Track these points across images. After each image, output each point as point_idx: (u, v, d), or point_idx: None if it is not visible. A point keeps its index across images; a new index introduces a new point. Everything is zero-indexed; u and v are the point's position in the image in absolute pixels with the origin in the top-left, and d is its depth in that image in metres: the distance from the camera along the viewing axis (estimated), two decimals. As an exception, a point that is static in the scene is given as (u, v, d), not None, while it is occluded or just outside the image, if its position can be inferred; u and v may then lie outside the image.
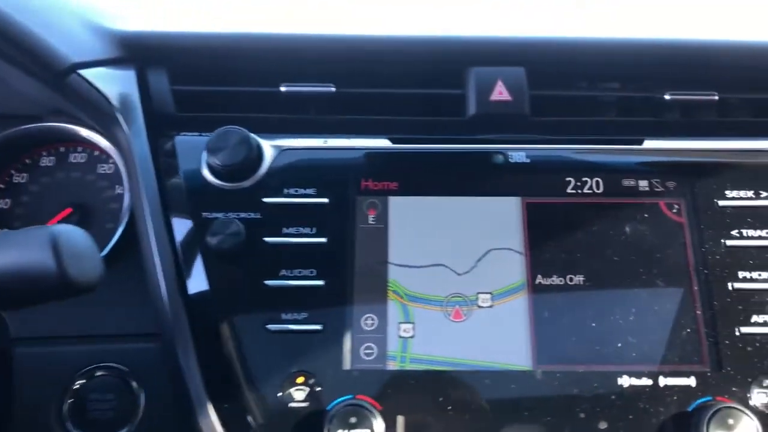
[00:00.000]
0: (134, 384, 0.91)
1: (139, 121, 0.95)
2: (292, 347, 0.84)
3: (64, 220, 1.06)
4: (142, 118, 0.95)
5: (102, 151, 1.09)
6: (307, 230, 0.88)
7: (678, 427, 0.81)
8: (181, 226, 0.89)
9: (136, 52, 0.99)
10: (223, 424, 0.82)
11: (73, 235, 0.66)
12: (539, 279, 0.88)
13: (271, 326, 0.84)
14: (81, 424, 0.90)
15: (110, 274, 0.98)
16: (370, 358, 0.85)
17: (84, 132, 1.05)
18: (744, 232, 0.89)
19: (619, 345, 0.84)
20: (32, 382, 0.90)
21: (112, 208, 1.06)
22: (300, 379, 0.83)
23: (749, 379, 0.83)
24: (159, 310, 0.86)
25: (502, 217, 0.91)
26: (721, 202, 0.90)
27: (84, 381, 0.90)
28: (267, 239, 0.88)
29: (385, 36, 0.99)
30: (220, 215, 0.88)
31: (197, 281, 0.87)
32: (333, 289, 0.86)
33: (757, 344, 0.84)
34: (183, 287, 0.87)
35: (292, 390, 0.82)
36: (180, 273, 0.87)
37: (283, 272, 0.87)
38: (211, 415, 0.82)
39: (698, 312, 0.86)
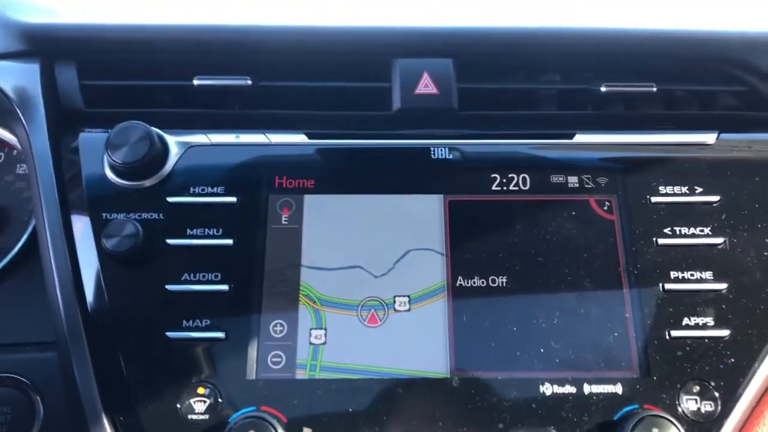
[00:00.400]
0: (33, 395, 0.86)
1: (40, 117, 0.89)
2: (193, 356, 0.79)
3: (-21, 223, 1.01)
4: (44, 114, 0.89)
5: (20, 151, 1.04)
6: (212, 231, 0.83)
7: (602, 437, 0.76)
8: (81, 229, 0.84)
9: (42, 45, 0.93)
10: (117, 437, 0.77)
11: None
12: (460, 281, 0.83)
13: (171, 334, 0.79)
14: (-26, 440, 0.84)
15: (13, 281, 0.94)
16: (278, 366, 0.79)
17: None
18: (677, 229, 0.84)
19: (542, 350, 0.79)
20: None
21: (30, 210, 1.01)
22: (201, 390, 0.78)
23: (678, 386, 0.78)
24: (55, 318, 0.81)
25: (423, 216, 0.86)
26: (654, 199, 0.86)
27: (-22, 394, 0.85)
28: (169, 241, 0.83)
29: (305, 26, 0.94)
30: (120, 216, 0.83)
31: (95, 286, 0.82)
32: (239, 294, 0.81)
33: (688, 348, 0.79)
34: (81, 293, 0.82)
35: (192, 401, 0.77)
36: (78, 278, 0.82)
37: (186, 276, 0.81)
38: (106, 427, 0.77)
39: (627, 315, 0.81)
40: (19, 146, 1.00)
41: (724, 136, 0.90)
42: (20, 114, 0.90)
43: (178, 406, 0.77)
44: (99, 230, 0.82)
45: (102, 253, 0.81)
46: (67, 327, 0.80)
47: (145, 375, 0.78)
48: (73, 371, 0.79)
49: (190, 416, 0.77)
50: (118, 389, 0.78)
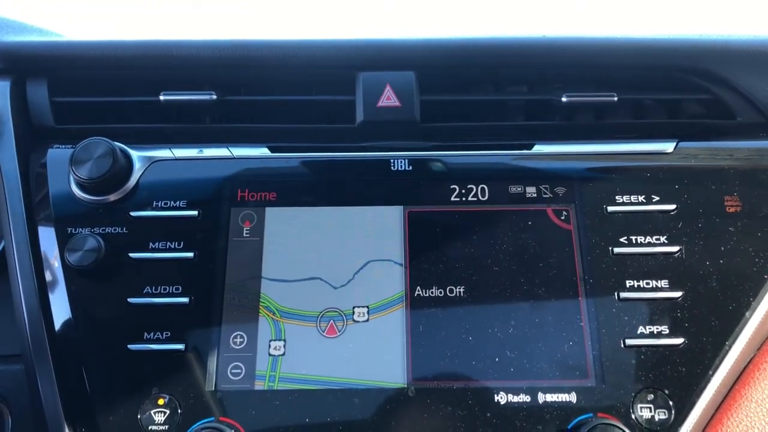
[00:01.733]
0: (1, 406, 0.87)
1: (9, 134, 0.91)
2: (153, 368, 0.80)
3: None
4: (13, 131, 0.91)
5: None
6: (174, 245, 0.85)
7: (555, 446, 0.77)
8: (47, 243, 0.86)
9: (13, 63, 0.95)
10: (80, 448, 0.78)
11: None
12: (418, 291, 0.84)
13: (132, 346, 0.81)
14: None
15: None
16: (237, 378, 0.81)
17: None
18: (633, 238, 0.85)
19: (497, 360, 0.80)
20: None
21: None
22: (161, 401, 0.79)
23: (633, 394, 0.79)
24: (20, 331, 0.83)
25: (383, 227, 0.87)
26: (611, 208, 0.86)
27: (-54, 406, 0.87)
28: (132, 255, 0.84)
29: (268, 41, 0.95)
30: (84, 231, 0.85)
31: (60, 300, 0.83)
32: (199, 306, 0.82)
33: (643, 357, 0.80)
34: (46, 306, 0.83)
35: (152, 412, 0.78)
36: (44, 291, 0.84)
37: (147, 289, 0.83)
38: (68, 438, 0.79)
39: (583, 323, 0.82)
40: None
41: (682, 144, 0.90)
42: None
43: (139, 416, 0.78)
44: (64, 245, 0.84)
45: (66, 267, 0.83)
46: (32, 340, 0.82)
47: (106, 386, 0.80)
48: (38, 383, 0.80)
49: (150, 427, 0.78)
50: (80, 400, 0.80)
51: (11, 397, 0.87)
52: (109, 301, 0.83)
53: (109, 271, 0.83)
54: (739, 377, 0.83)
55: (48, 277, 0.84)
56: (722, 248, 0.84)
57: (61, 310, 0.83)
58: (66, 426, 0.79)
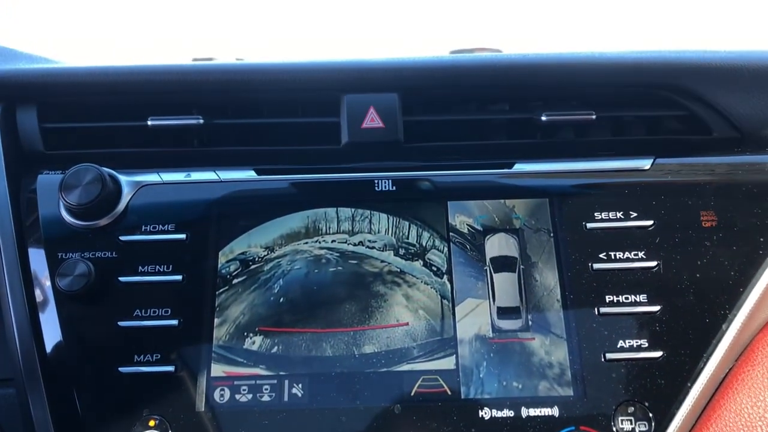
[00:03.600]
0: (-5, 431, 0.89)
1: None
2: (144, 390, 0.82)
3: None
4: (3, 157, 0.93)
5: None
6: (163, 268, 0.86)
7: (539, 459, 0.78)
8: (38, 268, 0.87)
9: (2, 90, 0.97)
10: (72, 472, 0.80)
11: None
12: None
13: (123, 369, 0.82)
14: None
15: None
16: (225, 399, 0.82)
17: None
18: (612, 254, 0.87)
19: (481, 375, 0.82)
20: None
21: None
22: (152, 423, 0.80)
23: (614, 407, 0.81)
24: (12, 355, 0.84)
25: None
26: (590, 225, 0.89)
27: (-59, 430, 0.88)
28: (122, 279, 0.86)
29: (253, 64, 0.97)
30: (75, 255, 0.86)
31: (50, 323, 0.85)
32: (188, 328, 0.84)
33: (623, 370, 0.82)
34: (38, 330, 0.85)
35: (143, 434, 0.80)
36: (35, 316, 0.85)
37: (137, 312, 0.84)
38: (61, 462, 0.80)
39: (564, 338, 0.83)
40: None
41: (660, 161, 0.93)
42: None
43: (130, 439, 0.80)
44: (54, 269, 0.85)
45: (57, 291, 0.84)
46: (24, 364, 0.83)
47: (98, 409, 0.81)
48: (30, 407, 0.82)
49: (141, 450, 0.79)
50: (72, 423, 0.81)
51: (3, 421, 0.88)
52: (99, 325, 0.84)
53: (99, 295, 0.85)
54: (718, 388, 0.85)
55: (38, 300, 0.86)
56: (699, 262, 0.86)
57: (52, 333, 0.84)
58: (58, 449, 0.80)
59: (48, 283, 0.86)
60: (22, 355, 0.83)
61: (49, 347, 0.84)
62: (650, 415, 0.80)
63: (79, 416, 0.81)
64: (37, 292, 0.86)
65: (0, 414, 0.89)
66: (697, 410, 0.83)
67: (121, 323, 0.84)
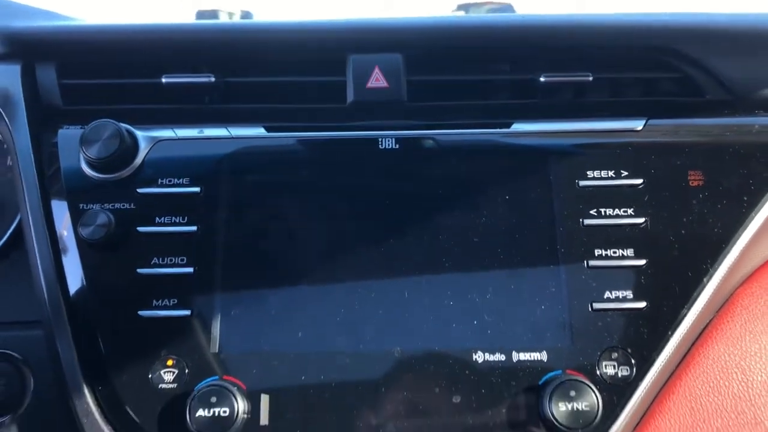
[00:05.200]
0: (24, 369, 0.95)
1: (21, 116, 0.98)
2: (162, 332, 0.88)
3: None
4: (25, 112, 0.97)
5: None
6: (178, 219, 0.92)
7: (528, 399, 0.85)
8: (61, 218, 0.93)
9: (23, 48, 1.01)
10: (98, 404, 0.86)
11: None
12: (406, 264, 0.91)
13: (142, 313, 0.88)
14: (-26, 408, 0.94)
15: (7, 262, 1.04)
16: (236, 342, 0.88)
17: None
18: (602, 210, 0.92)
19: (476, 323, 0.88)
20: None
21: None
22: (170, 362, 0.87)
23: (598, 353, 0.86)
24: (39, 299, 0.90)
25: (371, 203, 0.94)
26: (582, 182, 0.93)
27: (-25, 368, 0.95)
28: (140, 229, 0.91)
29: (264, 23, 1.01)
30: (95, 206, 0.91)
31: (74, 270, 0.90)
32: (202, 276, 0.90)
33: (608, 319, 0.88)
34: (62, 276, 0.90)
35: (161, 372, 0.86)
36: (59, 263, 0.91)
37: (155, 260, 0.90)
38: (87, 396, 0.87)
39: (554, 289, 0.89)
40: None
41: (652, 122, 0.97)
42: (3, 113, 0.98)
43: (150, 376, 0.86)
44: (76, 219, 0.91)
45: (79, 240, 0.90)
46: (50, 308, 0.89)
47: (120, 350, 0.88)
48: (57, 347, 0.88)
49: (160, 385, 0.86)
50: (97, 363, 0.88)
51: (33, 360, 0.95)
52: (119, 272, 0.90)
53: (118, 244, 0.90)
54: (698, 338, 0.91)
55: (62, 249, 0.92)
56: (684, 219, 0.91)
57: (75, 280, 0.90)
58: (84, 385, 0.87)
59: (71, 233, 0.91)
60: (48, 299, 0.89)
61: (73, 292, 0.90)
62: (632, 361, 0.86)
63: (102, 355, 0.87)
64: (61, 241, 0.92)
65: (29, 353, 0.95)
66: (677, 357, 0.89)
67: (140, 270, 0.90)
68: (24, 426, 0.95)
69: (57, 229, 0.92)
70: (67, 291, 0.90)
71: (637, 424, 0.87)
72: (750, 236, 0.91)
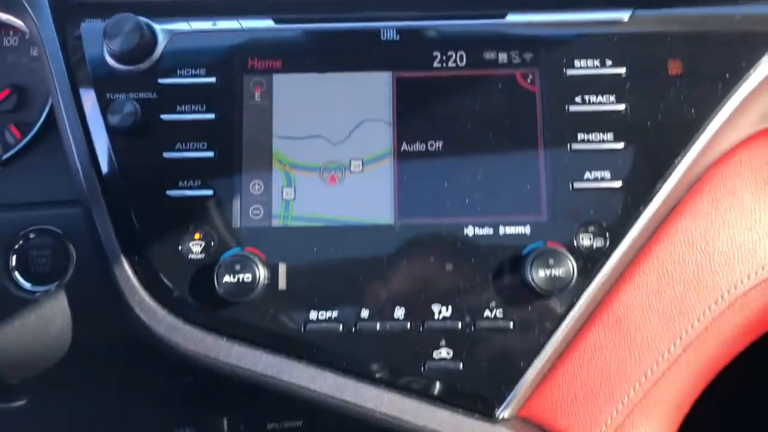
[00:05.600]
0: (67, 243, 1.07)
1: (45, 7, 1.04)
2: (189, 210, 0.98)
3: (4, 100, 1.19)
4: (47, 4, 1.04)
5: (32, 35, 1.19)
6: (197, 107, 1.00)
7: (512, 267, 0.96)
8: (90, 106, 1.01)
9: None
10: (135, 273, 0.99)
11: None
12: (404, 146, 1.00)
13: (170, 192, 0.99)
14: (26, 275, 1.07)
15: (42, 147, 1.14)
16: (258, 217, 0.99)
17: (3, 17, 1.15)
18: (587, 98, 0.99)
19: (467, 200, 0.98)
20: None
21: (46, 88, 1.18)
22: (197, 236, 0.98)
23: (577, 226, 0.97)
24: (76, 181, 1.01)
25: (374, 91, 1.01)
26: (570, 71, 1.00)
27: (23, 241, 1.07)
28: (163, 116, 1.00)
29: None
30: (121, 96, 1.00)
31: (106, 155, 1.00)
32: (223, 159, 0.99)
33: (587, 197, 0.97)
34: (95, 160, 1.00)
35: (190, 244, 0.98)
36: (91, 148, 1.00)
37: (179, 145, 0.99)
38: (125, 266, 0.98)
39: (540, 171, 0.98)
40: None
41: (638, 12, 1.02)
42: (27, 5, 1.04)
43: (180, 248, 0.98)
44: (104, 108, 0.99)
45: (109, 128, 0.99)
46: (87, 188, 0.99)
47: (152, 225, 0.99)
48: (95, 223, 0.99)
49: (189, 256, 0.98)
50: (132, 237, 0.99)
51: (74, 235, 1.07)
52: (147, 156, 0.99)
53: (145, 130, 0.99)
54: (669, 213, 1.01)
55: (93, 135, 1.01)
56: (661, 106, 0.99)
57: (108, 163, 1.00)
58: (122, 256, 0.98)
59: (100, 120, 1.00)
60: (84, 180, 0.99)
61: (106, 174, 1.00)
62: (607, 234, 0.97)
63: (136, 230, 0.99)
64: (92, 128, 1.01)
65: (70, 229, 1.07)
66: (648, 231, 0.99)
67: (166, 155, 0.99)
68: (69, 292, 1.07)
69: (87, 117, 1.01)
70: (101, 173, 1.00)
71: (609, 289, 0.99)
72: (721, 121, 0.99)
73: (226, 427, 1.36)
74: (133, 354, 1.17)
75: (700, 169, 1.02)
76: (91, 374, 1.28)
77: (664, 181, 0.98)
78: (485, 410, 0.97)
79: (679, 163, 0.98)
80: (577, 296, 0.96)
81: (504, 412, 0.97)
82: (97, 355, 1.18)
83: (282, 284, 0.97)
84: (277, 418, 1.36)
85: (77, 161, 1.00)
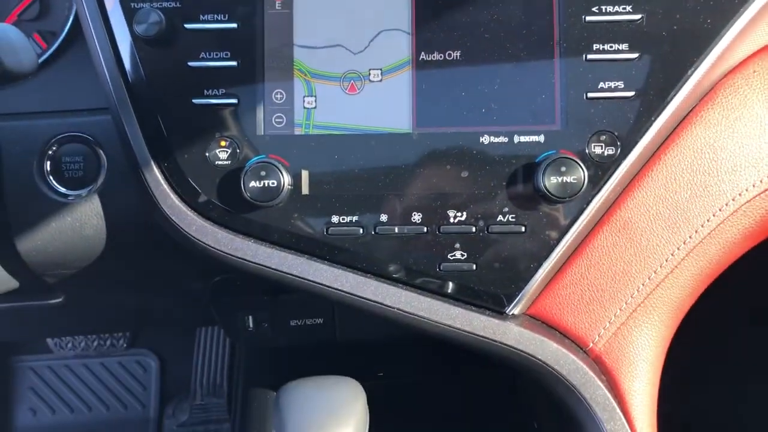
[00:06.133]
0: (98, 149, 1.12)
1: None
2: (215, 117, 1.02)
3: (26, 9, 1.21)
4: None
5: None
6: (220, 16, 1.02)
7: (525, 174, 1.01)
8: (115, 16, 1.03)
9: None
10: (164, 177, 1.03)
11: (8, 32, 0.82)
12: (422, 56, 1.02)
13: (195, 100, 1.02)
14: (59, 180, 1.12)
15: (69, 56, 1.17)
16: (280, 125, 1.03)
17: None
18: (603, 8, 1.00)
19: (483, 110, 1.01)
20: (14, 151, 1.11)
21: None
22: (223, 143, 1.02)
23: (589, 135, 1.00)
24: (104, 89, 1.04)
25: (393, 0, 1.03)
26: (588, -18, 1.01)
27: (56, 147, 1.11)
28: (187, 26, 1.02)
29: None
30: (145, 5, 1.02)
31: (132, 63, 1.03)
32: (246, 68, 1.02)
33: (600, 106, 1.00)
34: (122, 69, 1.03)
35: (217, 151, 1.02)
36: (119, 57, 1.03)
37: (203, 54, 1.02)
38: (155, 170, 1.03)
39: (555, 80, 1.01)
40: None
41: None
42: None
43: (207, 154, 1.02)
44: (129, 18, 1.01)
45: (135, 37, 1.01)
46: (116, 96, 1.03)
47: (179, 132, 1.03)
48: (125, 130, 1.03)
49: (216, 162, 1.02)
50: (160, 143, 1.03)
51: (104, 141, 1.11)
52: (172, 64, 1.02)
53: (169, 39, 1.02)
54: (680, 123, 1.04)
55: (119, 44, 1.03)
56: (678, 15, 1.00)
57: (134, 71, 1.02)
58: (152, 161, 1.03)
59: (126, 30, 1.03)
60: (113, 88, 1.03)
61: (133, 82, 1.03)
62: (618, 143, 1.00)
63: (164, 135, 1.03)
64: (117, 38, 1.03)
65: (101, 135, 1.11)
66: (659, 140, 1.02)
67: (191, 63, 1.02)
68: (102, 197, 1.13)
69: (114, 28, 1.03)
70: (129, 81, 1.03)
71: (619, 195, 1.03)
72: (737, 31, 1.01)
73: (251, 323, 1.45)
74: (161, 255, 1.24)
75: (713, 79, 1.03)
76: (123, 274, 1.35)
77: (677, 91, 1.00)
78: (496, 307, 1.04)
79: (692, 73, 1.00)
80: (587, 202, 1.01)
81: (513, 310, 1.04)
82: (127, 256, 1.25)
83: (305, 189, 1.02)
84: (299, 316, 1.45)
85: (105, 70, 1.03)
